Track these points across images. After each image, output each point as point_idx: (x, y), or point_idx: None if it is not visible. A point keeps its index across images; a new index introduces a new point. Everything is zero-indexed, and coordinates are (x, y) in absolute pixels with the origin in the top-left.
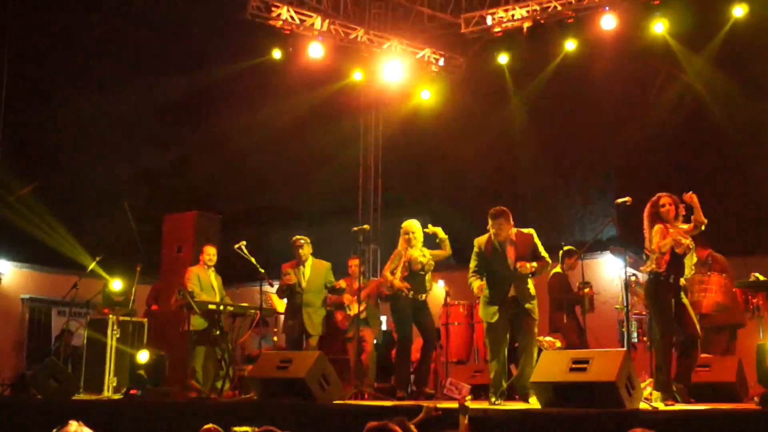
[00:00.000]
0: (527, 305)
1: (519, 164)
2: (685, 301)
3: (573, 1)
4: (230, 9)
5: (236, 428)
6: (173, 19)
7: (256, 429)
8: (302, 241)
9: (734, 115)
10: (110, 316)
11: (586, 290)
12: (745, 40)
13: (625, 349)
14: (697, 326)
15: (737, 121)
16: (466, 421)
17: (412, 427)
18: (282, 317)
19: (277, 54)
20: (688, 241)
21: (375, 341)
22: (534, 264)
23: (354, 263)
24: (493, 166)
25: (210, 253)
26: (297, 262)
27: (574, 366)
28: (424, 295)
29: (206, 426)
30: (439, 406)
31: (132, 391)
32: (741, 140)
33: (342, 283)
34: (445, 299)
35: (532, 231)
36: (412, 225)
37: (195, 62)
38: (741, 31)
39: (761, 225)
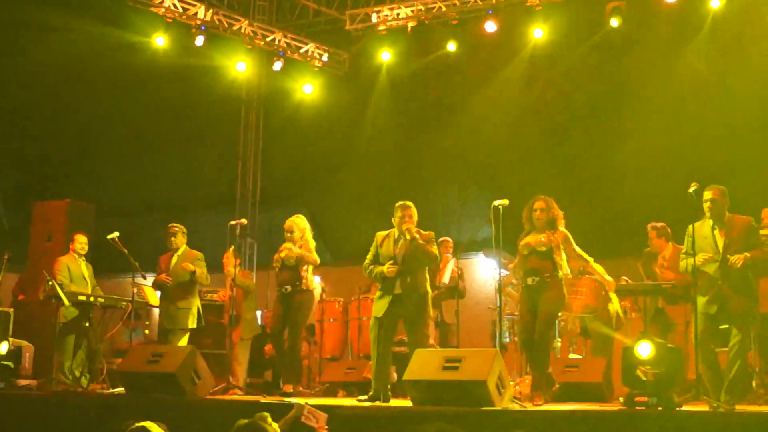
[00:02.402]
0: (415, 302)
1: (397, 162)
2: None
3: (457, 3)
4: None
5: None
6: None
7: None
8: (176, 229)
9: (604, 121)
10: None
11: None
12: (618, 49)
13: (496, 349)
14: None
15: (607, 126)
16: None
17: (274, 425)
18: (155, 311)
19: (159, 41)
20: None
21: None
22: (415, 231)
23: (229, 256)
24: (372, 163)
25: (81, 241)
26: (172, 253)
27: (446, 365)
28: (288, 288)
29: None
30: (310, 403)
31: None
32: (606, 145)
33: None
34: (321, 296)
35: (432, 234)
36: (293, 221)
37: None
38: (615, 40)
39: (628, 228)
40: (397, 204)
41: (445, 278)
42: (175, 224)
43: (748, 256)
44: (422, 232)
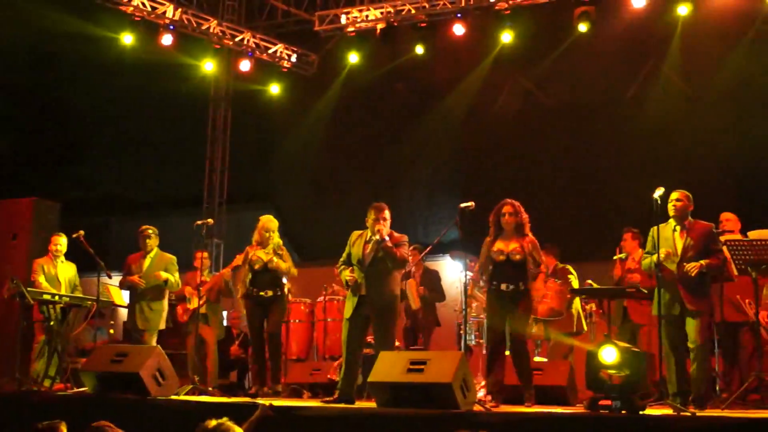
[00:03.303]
0: (381, 304)
1: (364, 164)
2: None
3: (426, 6)
4: None
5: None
6: None
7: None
8: (150, 231)
9: (574, 126)
10: None
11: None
12: (585, 55)
13: (461, 351)
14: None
15: (576, 132)
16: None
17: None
18: (120, 310)
19: (127, 39)
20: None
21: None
22: (385, 234)
23: (200, 256)
24: (339, 165)
25: (57, 242)
26: (143, 254)
27: (411, 367)
28: (269, 292)
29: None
30: (275, 404)
31: None
32: (577, 150)
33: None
34: (287, 297)
35: (405, 237)
36: (267, 222)
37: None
38: (583, 47)
39: (595, 232)
40: (371, 205)
41: (412, 304)
42: (148, 227)
43: (703, 264)
44: (395, 234)
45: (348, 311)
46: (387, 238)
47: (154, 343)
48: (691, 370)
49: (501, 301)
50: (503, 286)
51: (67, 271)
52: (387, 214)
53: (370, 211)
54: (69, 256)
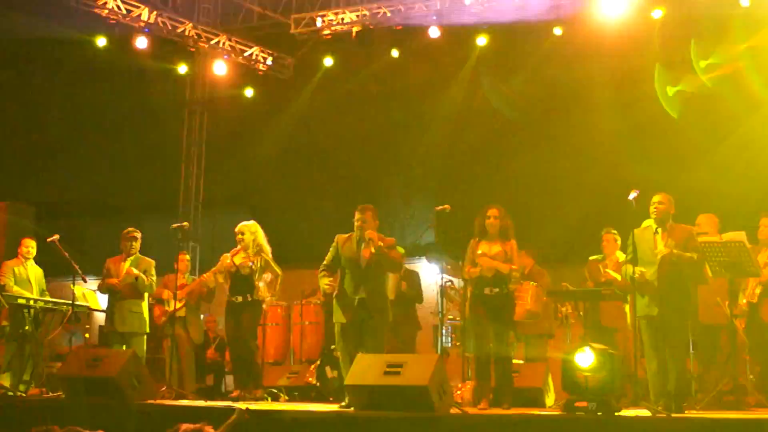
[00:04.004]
0: (377, 308)
1: (340, 166)
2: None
3: (402, 9)
4: None
5: None
6: None
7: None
8: (136, 234)
9: (550, 129)
10: None
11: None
12: (561, 58)
13: (438, 354)
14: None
15: (552, 134)
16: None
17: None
18: (95, 314)
19: (101, 42)
20: (500, 268)
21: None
22: (377, 240)
23: (182, 258)
24: (315, 167)
25: (28, 245)
26: (125, 256)
27: (388, 370)
28: (239, 298)
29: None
30: (251, 408)
31: None
32: (549, 153)
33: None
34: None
35: (393, 240)
36: (245, 226)
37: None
38: (558, 50)
39: (570, 235)
40: (358, 207)
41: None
42: (132, 229)
43: (675, 252)
44: (386, 238)
45: (339, 315)
46: (381, 244)
47: (142, 347)
48: (669, 372)
49: (485, 304)
50: (487, 290)
51: (36, 274)
52: (371, 215)
53: (356, 213)
54: (43, 259)
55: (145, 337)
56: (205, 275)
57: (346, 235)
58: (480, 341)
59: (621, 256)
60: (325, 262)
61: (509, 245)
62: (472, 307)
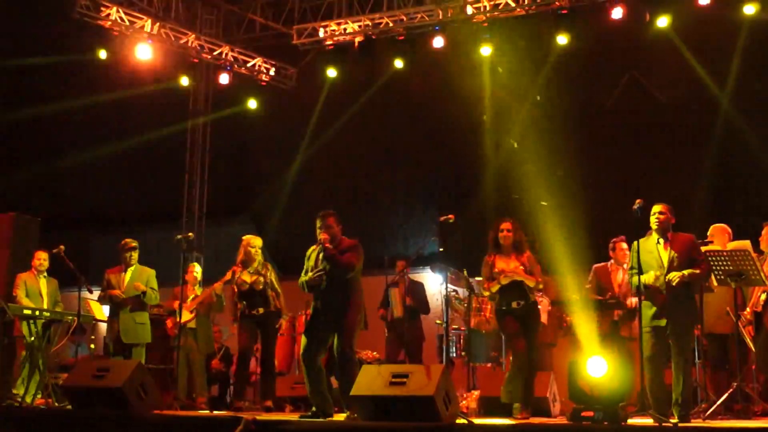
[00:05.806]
0: (335, 311)
1: (343, 177)
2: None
3: (404, 19)
4: (57, 6)
5: None
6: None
7: None
8: (135, 244)
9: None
10: None
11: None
12: (565, 66)
13: (443, 364)
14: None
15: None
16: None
17: None
18: (100, 325)
19: (103, 54)
20: (528, 281)
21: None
22: (326, 241)
23: (192, 270)
24: (318, 178)
25: (41, 258)
26: (124, 267)
27: (393, 380)
28: (260, 310)
29: None
30: (258, 418)
31: None
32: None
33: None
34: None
35: (355, 241)
36: (251, 241)
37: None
38: (563, 58)
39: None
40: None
41: (395, 311)
42: (130, 240)
43: (685, 274)
44: (345, 240)
45: (306, 325)
46: (328, 246)
47: (143, 356)
48: (674, 383)
49: (512, 317)
50: (514, 304)
51: (49, 286)
52: (329, 221)
53: (317, 220)
54: (50, 271)
55: (145, 345)
56: (215, 284)
57: (315, 246)
58: (517, 355)
59: None
60: (301, 275)
61: (525, 258)
62: (500, 323)
